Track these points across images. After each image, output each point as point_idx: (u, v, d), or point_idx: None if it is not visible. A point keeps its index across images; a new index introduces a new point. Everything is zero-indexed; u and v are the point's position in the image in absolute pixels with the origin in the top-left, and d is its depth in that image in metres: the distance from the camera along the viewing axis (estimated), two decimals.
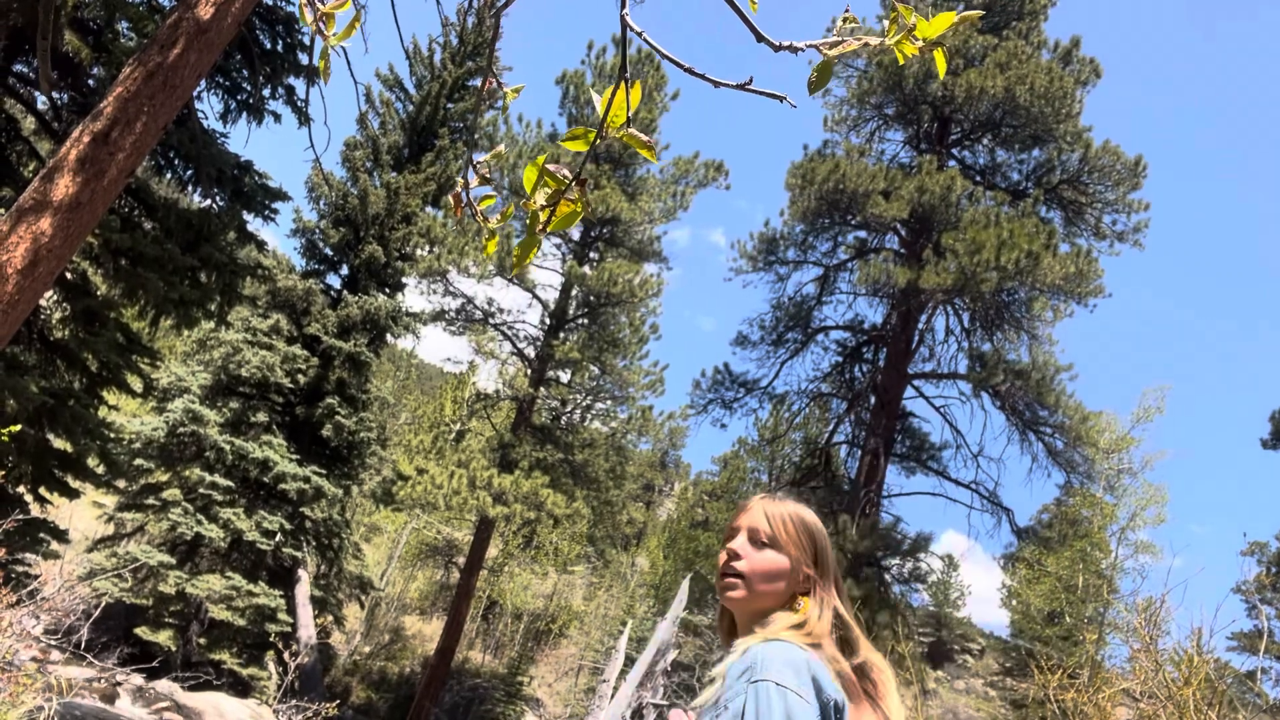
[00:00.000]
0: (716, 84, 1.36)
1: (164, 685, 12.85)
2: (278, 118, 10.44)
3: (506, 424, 22.35)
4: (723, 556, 1.61)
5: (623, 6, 1.36)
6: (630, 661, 10.75)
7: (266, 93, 10.20)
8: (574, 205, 1.40)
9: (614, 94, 1.29)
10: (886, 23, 1.41)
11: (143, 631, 15.13)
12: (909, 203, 17.67)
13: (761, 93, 1.37)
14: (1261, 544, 22.48)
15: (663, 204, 22.53)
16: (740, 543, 1.62)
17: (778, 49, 1.34)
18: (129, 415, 18.30)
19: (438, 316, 22.04)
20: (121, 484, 14.98)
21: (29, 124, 10.15)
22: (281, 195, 10.77)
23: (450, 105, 20.82)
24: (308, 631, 15.26)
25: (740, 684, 1.36)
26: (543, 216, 1.40)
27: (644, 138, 1.32)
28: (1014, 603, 20.04)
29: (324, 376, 17.47)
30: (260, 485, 16.28)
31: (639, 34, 1.34)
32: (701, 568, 20.32)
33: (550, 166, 1.40)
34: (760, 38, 1.36)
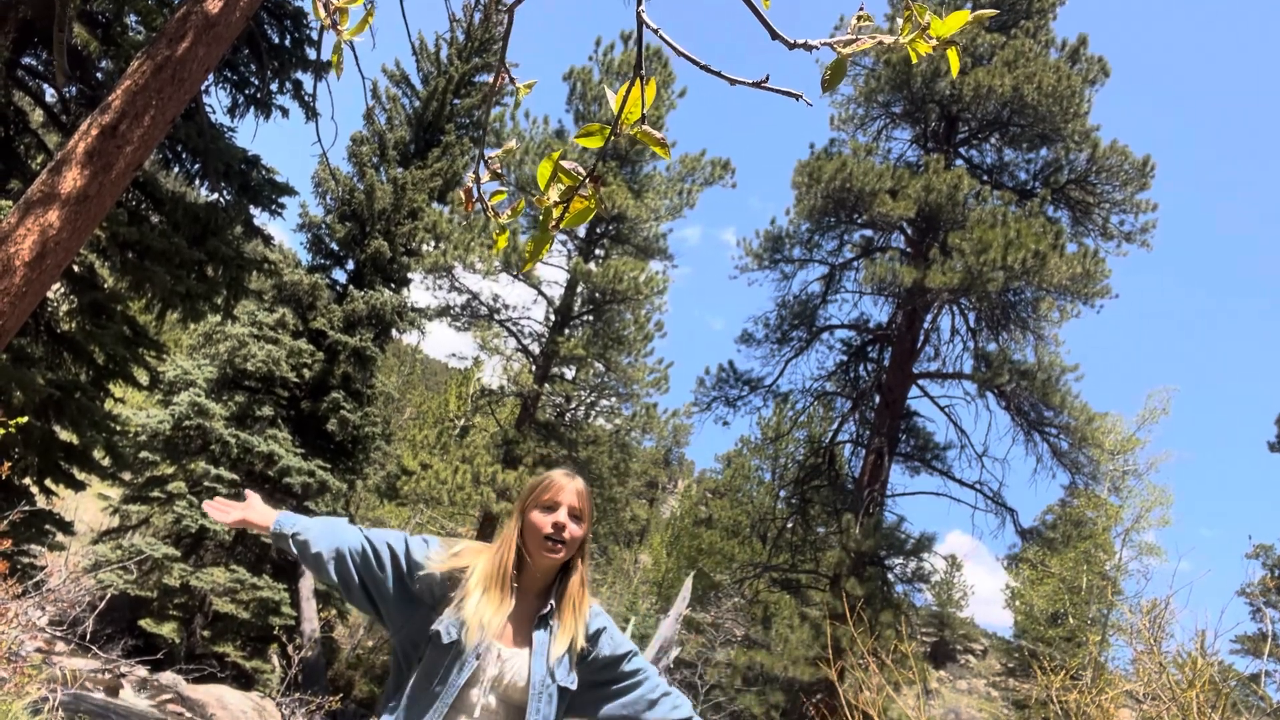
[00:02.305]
0: (733, 82, 1.35)
1: (168, 677, 12.89)
2: (285, 112, 10.45)
3: (511, 420, 22.35)
4: (550, 525, 2.01)
5: (639, 4, 1.36)
6: None
7: (274, 87, 10.21)
8: (587, 202, 1.39)
9: (629, 91, 1.28)
10: (899, 21, 1.41)
11: (147, 624, 15.18)
12: (915, 202, 17.62)
13: (777, 90, 1.36)
14: (1266, 547, 22.42)
15: (669, 201, 22.52)
16: (564, 516, 2.02)
17: (792, 47, 1.33)
18: (135, 408, 18.35)
19: (443, 312, 22.05)
20: (127, 476, 15.01)
21: (37, 116, 10.17)
22: (288, 190, 10.77)
23: (457, 101, 20.81)
24: (311, 625, 15.29)
25: (608, 620, 2.13)
26: (556, 213, 1.40)
27: (658, 135, 1.31)
28: (1017, 603, 20.03)
29: (329, 371, 17.49)
30: (265, 479, 16.32)
31: (655, 31, 1.33)
32: (705, 565, 20.33)
33: (564, 163, 1.39)
34: (775, 35, 1.36)
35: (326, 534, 2.07)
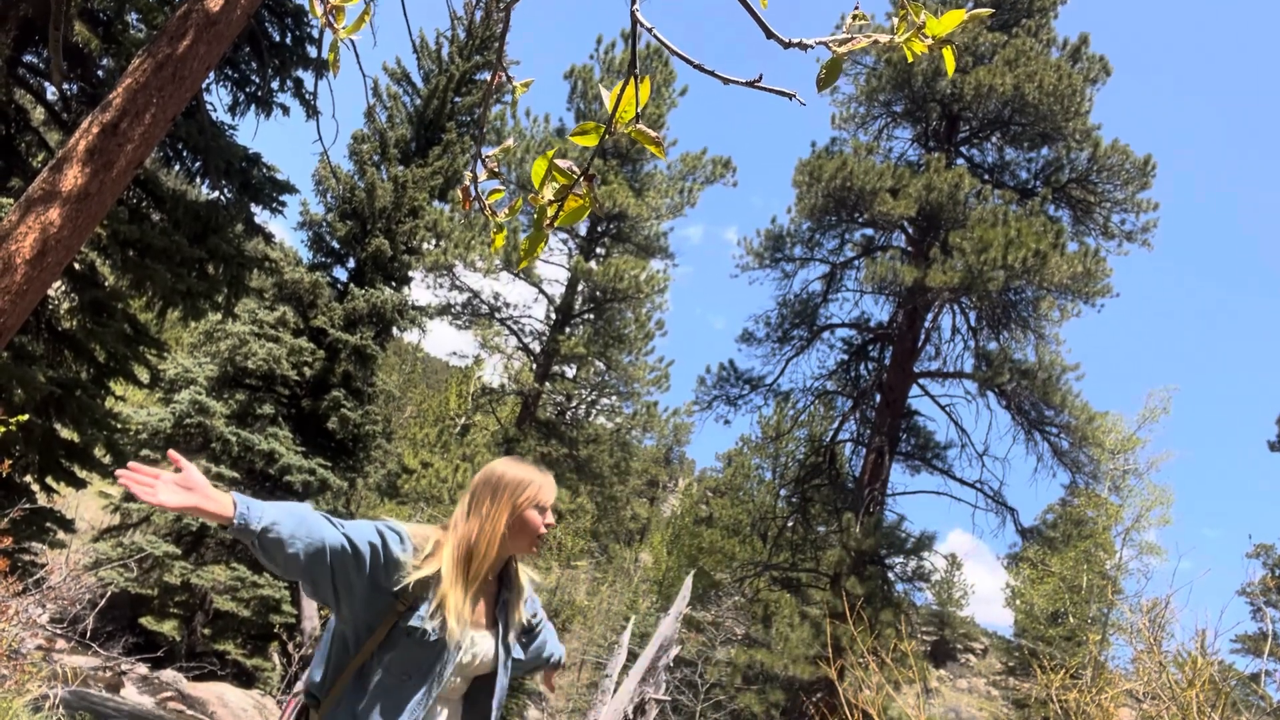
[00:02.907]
0: (726, 81, 1.35)
1: (169, 675, 12.93)
2: (286, 110, 10.45)
3: (511, 418, 22.36)
4: (544, 525, 2.15)
5: (633, 2, 1.36)
6: (633, 657, 10.76)
7: (275, 85, 10.21)
8: (582, 200, 1.40)
9: (623, 90, 1.29)
10: (896, 20, 1.41)
11: (148, 621, 15.22)
12: (916, 201, 17.61)
13: (771, 90, 1.37)
14: (1267, 546, 22.43)
15: (670, 200, 22.53)
16: (551, 516, 2.17)
17: (787, 46, 1.33)
18: (135, 406, 18.37)
19: (444, 310, 22.07)
20: None
21: (38, 114, 10.17)
22: (289, 188, 10.77)
23: (457, 99, 20.81)
24: (312, 623, 15.29)
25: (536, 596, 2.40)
26: (550, 211, 1.40)
27: (653, 134, 1.31)
28: (1017, 602, 20.02)
29: (330, 369, 17.51)
30: (266, 477, 16.34)
31: (649, 30, 1.34)
32: (705, 564, 20.33)
33: (559, 161, 1.40)
34: (770, 34, 1.36)
35: (300, 530, 1.84)
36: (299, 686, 2.19)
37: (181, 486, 1.69)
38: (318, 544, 1.86)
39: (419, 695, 1.95)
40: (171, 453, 1.78)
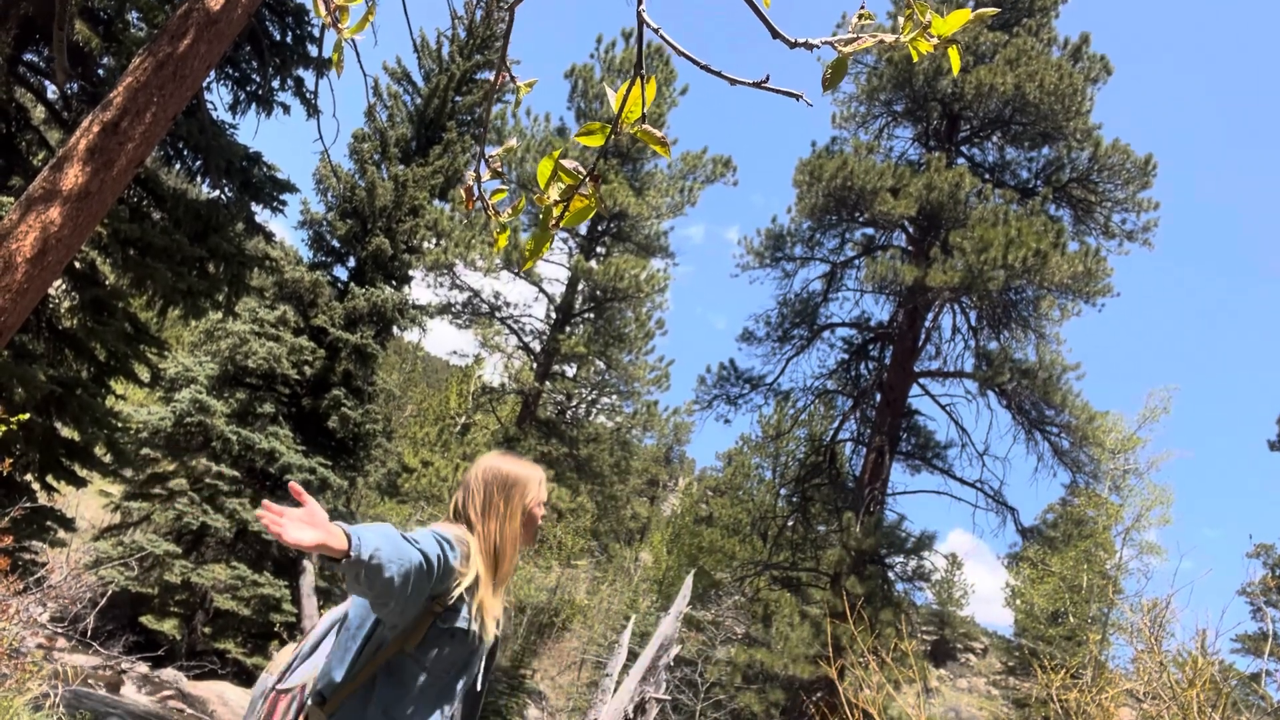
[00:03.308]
0: (733, 82, 1.35)
1: (169, 674, 12.93)
2: (286, 109, 10.45)
3: (511, 418, 22.37)
4: (541, 519, 2.31)
5: (639, 2, 1.36)
6: (633, 656, 10.76)
7: (276, 84, 10.21)
8: (588, 200, 1.39)
9: (629, 89, 1.28)
10: (900, 19, 1.41)
11: (148, 620, 15.22)
12: (917, 200, 17.60)
13: (777, 90, 1.36)
14: (1267, 546, 22.44)
15: (670, 199, 22.53)
16: (545, 509, 2.32)
17: (793, 45, 1.33)
18: (136, 405, 18.37)
19: (444, 309, 22.08)
20: (128, 473, 15.03)
21: (39, 113, 10.16)
22: (289, 187, 10.77)
23: (458, 99, 20.79)
24: (312, 622, 15.28)
25: None
26: (556, 212, 1.40)
27: (658, 134, 1.31)
28: (1018, 602, 20.03)
29: (330, 368, 17.50)
30: (266, 476, 16.33)
31: (655, 30, 1.33)
32: (705, 563, 20.33)
33: (564, 162, 1.40)
34: (775, 34, 1.35)
35: (394, 554, 1.78)
36: (270, 681, 2.16)
37: (307, 523, 1.63)
38: (408, 566, 1.81)
39: (459, 687, 2.10)
40: (293, 485, 1.71)
